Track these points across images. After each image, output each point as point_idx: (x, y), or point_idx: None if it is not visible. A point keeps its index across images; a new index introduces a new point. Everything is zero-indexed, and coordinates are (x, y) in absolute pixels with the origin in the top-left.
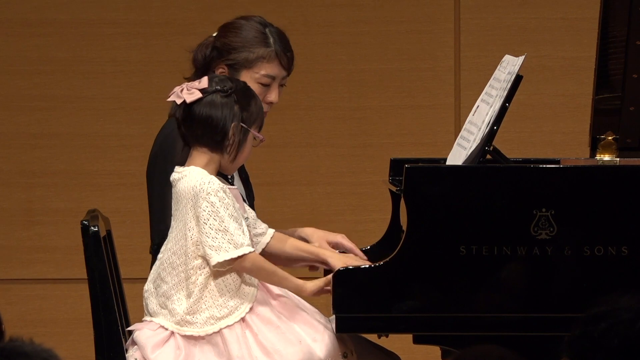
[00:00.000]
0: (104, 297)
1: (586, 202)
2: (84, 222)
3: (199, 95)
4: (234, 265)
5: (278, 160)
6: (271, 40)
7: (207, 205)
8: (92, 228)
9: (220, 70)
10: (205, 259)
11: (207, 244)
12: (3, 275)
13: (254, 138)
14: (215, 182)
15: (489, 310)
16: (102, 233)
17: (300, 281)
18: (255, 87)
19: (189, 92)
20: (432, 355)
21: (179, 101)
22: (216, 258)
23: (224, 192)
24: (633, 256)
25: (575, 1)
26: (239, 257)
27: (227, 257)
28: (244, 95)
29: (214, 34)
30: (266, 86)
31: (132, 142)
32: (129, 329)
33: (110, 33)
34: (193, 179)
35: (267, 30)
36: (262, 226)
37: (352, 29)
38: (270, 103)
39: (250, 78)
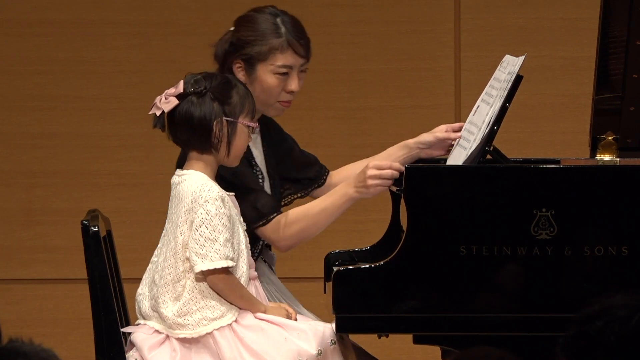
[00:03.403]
0: (104, 297)
1: (586, 202)
2: (84, 222)
3: (175, 102)
4: (211, 277)
5: None
6: (283, 30)
7: (203, 212)
8: (92, 228)
9: (237, 65)
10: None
11: (194, 250)
12: (3, 275)
13: (247, 127)
14: (215, 190)
15: (489, 311)
16: (102, 233)
17: (263, 307)
18: (273, 78)
19: (166, 101)
20: (432, 355)
21: (158, 112)
22: (200, 266)
23: (222, 200)
24: (633, 256)
25: (575, 1)
26: (221, 268)
27: (211, 267)
28: (222, 89)
29: (232, 28)
30: (285, 75)
31: (132, 142)
32: (124, 330)
33: (110, 33)
34: (193, 183)
35: (278, 20)
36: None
37: (352, 29)
38: (292, 92)
39: (266, 70)
